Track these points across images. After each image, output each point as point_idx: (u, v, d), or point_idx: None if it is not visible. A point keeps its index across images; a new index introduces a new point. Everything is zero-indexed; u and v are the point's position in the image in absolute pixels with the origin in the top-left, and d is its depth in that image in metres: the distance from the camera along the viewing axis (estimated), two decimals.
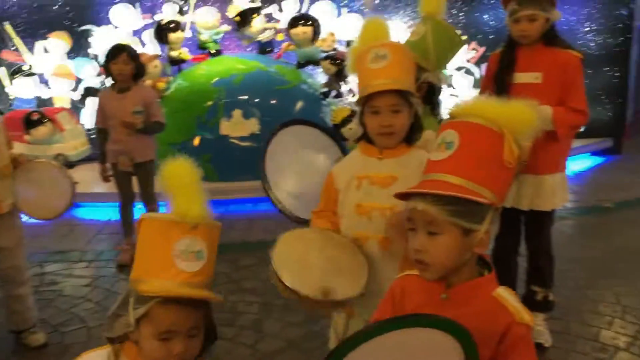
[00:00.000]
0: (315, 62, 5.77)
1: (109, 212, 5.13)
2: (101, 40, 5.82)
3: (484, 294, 1.38)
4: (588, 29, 6.51)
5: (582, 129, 3.09)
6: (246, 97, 5.49)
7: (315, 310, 1.83)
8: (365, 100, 1.92)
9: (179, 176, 1.38)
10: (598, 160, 6.62)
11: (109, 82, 5.45)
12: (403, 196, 1.42)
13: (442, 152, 1.40)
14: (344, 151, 2.43)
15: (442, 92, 2.86)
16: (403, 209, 1.79)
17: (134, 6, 5.95)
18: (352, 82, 5.83)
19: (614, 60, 6.55)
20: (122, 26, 5.90)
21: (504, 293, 1.38)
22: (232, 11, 5.86)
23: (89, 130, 6.01)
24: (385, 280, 1.85)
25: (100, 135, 4.18)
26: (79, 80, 6.07)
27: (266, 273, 4.27)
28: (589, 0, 6.38)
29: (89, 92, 5.91)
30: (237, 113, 5.35)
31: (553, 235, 3.16)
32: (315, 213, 2.13)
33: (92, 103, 5.88)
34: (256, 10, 5.80)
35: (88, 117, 5.92)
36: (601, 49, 6.45)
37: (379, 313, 1.55)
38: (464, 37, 5.88)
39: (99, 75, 5.99)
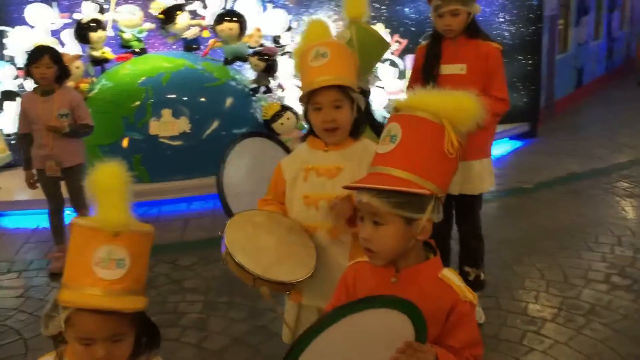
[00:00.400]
0: (243, 59, 5.76)
1: (36, 220, 4.95)
2: (17, 41, 5.57)
3: (431, 276, 1.47)
4: (502, 19, 6.83)
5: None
6: (174, 95, 5.42)
7: (267, 291, 1.87)
8: (309, 97, 1.99)
9: (102, 182, 1.36)
10: (516, 144, 6.99)
11: (28, 85, 5.26)
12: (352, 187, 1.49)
13: (387, 144, 1.47)
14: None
15: (371, 94, 2.96)
16: (343, 196, 1.89)
17: (50, 5, 5.73)
18: (281, 78, 5.87)
19: (527, 49, 6.91)
20: (38, 26, 5.67)
21: (448, 274, 1.48)
22: (156, 8, 5.76)
23: (8, 135, 5.75)
24: (335, 267, 1.93)
25: (23, 140, 4.02)
26: None
27: (207, 271, 4.27)
28: None
29: (6, 95, 5.65)
30: (166, 112, 5.27)
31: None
32: (263, 200, 2.17)
33: (10, 107, 5.63)
34: (180, 7, 5.73)
35: (7, 122, 5.66)
36: (515, 39, 6.79)
37: (334, 301, 1.61)
38: (387, 30, 6.09)
39: (16, 78, 5.73)
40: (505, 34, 6.76)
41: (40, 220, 4.90)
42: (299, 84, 6.25)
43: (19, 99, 5.64)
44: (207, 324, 3.36)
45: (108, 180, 1.36)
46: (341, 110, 1.99)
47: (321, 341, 1.22)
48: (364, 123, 2.15)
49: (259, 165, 2.44)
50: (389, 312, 1.31)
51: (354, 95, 2.03)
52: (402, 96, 1.57)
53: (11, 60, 5.75)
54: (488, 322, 3.24)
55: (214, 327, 3.32)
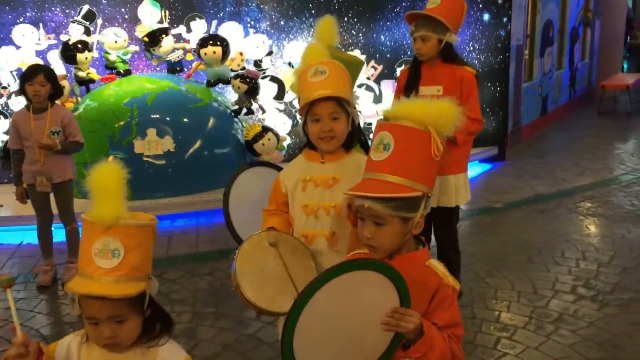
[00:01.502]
0: (226, 81, 5.95)
1: (20, 236, 5.00)
2: (3, 61, 5.67)
3: (419, 264, 1.67)
4: (472, 48, 7.18)
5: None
6: (159, 115, 5.57)
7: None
8: (307, 109, 2.17)
9: (98, 179, 1.51)
10: (486, 166, 7.29)
11: (14, 103, 5.35)
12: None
13: (381, 153, 1.66)
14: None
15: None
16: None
17: (37, 27, 5.86)
18: (262, 100, 6.08)
19: (495, 77, 7.26)
20: (25, 46, 5.78)
21: (435, 263, 1.68)
22: (141, 31, 5.92)
23: None
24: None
25: (15, 156, 4.12)
26: None
27: (193, 284, 4.38)
28: (472, 23, 7.05)
29: None
30: (151, 132, 5.41)
31: None
32: (267, 211, 2.34)
33: None
34: (165, 31, 5.90)
35: None
36: (484, 67, 7.13)
37: None
38: (363, 56, 6.36)
39: (0, 97, 5.81)
40: (475, 62, 7.10)
41: (24, 235, 4.96)
42: (281, 106, 6.41)
43: (2, 118, 5.72)
44: (196, 332, 3.48)
45: (103, 179, 1.51)
46: (338, 121, 2.15)
47: (316, 302, 1.41)
48: (357, 136, 2.34)
49: (264, 193, 2.61)
50: (377, 277, 1.49)
51: (350, 110, 2.22)
52: (385, 108, 1.76)
53: None
54: (464, 329, 3.41)
55: (204, 336, 3.44)
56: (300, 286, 2.06)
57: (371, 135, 6.15)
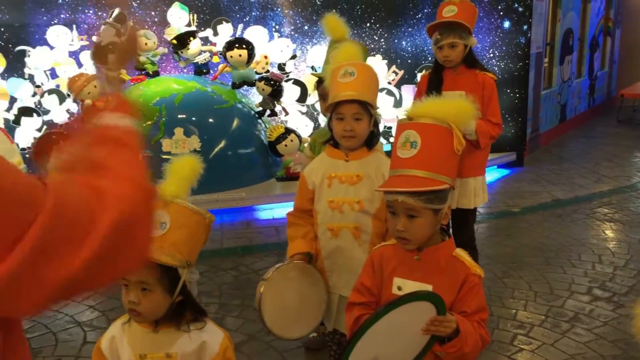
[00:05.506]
0: (251, 83, 6.12)
1: None
2: (37, 60, 5.89)
3: (447, 254, 1.80)
4: (492, 55, 7.28)
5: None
6: (186, 115, 5.75)
7: None
8: (334, 108, 2.32)
9: (174, 165, 1.75)
10: (504, 172, 7.37)
11: (45, 102, 5.56)
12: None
13: (408, 150, 1.79)
14: None
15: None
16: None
17: (70, 28, 6.07)
18: (285, 102, 6.24)
19: (514, 84, 7.35)
20: (58, 47, 6.00)
21: (461, 252, 1.80)
22: (170, 34, 6.11)
23: (23, 149, 6.01)
24: (356, 262, 2.27)
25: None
26: (13, 100, 6.08)
27: (218, 278, 4.55)
28: (492, 30, 7.16)
29: (24, 112, 5.94)
30: (178, 131, 5.59)
31: None
32: (290, 215, 2.51)
33: (27, 122, 5.92)
34: (193, 34, 6.09)
35: (24, 136, 5.94)
36: (504, 73, 7.22)
37: (362, 278, 1.92)
38: (385, 61, 6.50)
39: (34, 95, 6.03)
40: (495, 69, 7.19)
41: None
42: (303, 109, 6.53)
43: (36, 115, 5.94)
44: (223, 323, 3.62)
45: (179, 165, 1.73)
46: (360, 122, 2.31)
47: (373, 329, 1.59)
48: (378, 136, 2.48)
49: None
50: (417, 303, 1.64)
51: (373, 112, 2.37)
52: (407, 108, 1.91)
53: (30, 78, 6.05)
54: None
55: (230, 326, 3.59)
56: (312, 315, 2.40)
57: (391, 139, 6.29)
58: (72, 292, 0.87)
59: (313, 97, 6.22)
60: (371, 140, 2.40)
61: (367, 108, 2.31)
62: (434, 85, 3.51)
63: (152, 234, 0.97)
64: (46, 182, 0.85)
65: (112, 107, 1.08)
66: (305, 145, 6.31)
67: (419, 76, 6.38)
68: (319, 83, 3.23)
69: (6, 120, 6.10)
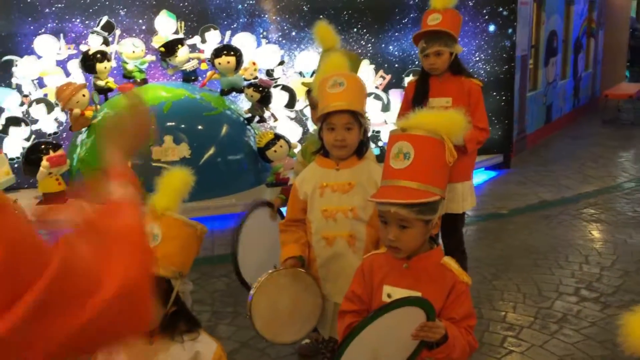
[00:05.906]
0: (239, 90, 6.14)
1: None
2: (24, 70, 5.88)
3: (435, 262, 1.84)
4: (478, 58, 7.36)
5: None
6: (174, 123, 5.75)
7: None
8: (324, 118, 2.35)
9: (166, 178, 1.81)
10: (491, 174, 7.44)
11: (33, 111, 5.55)
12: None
13: (402, 161, 1.83)
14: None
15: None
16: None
17: (58, 37, 6.07)
18: (273, 108, 6.26)
19: (500, 86, 7.42)
20: (46, 56, 5.99)
21: (449, 261, 1.85)
22: (157, 42, 6.12)
23: (11, 159, 6.00)
24: (350, 269, 2.29)
25: None
26: (0, 110, 6.06)
27: (210, 285, 4.56)
28: (478, 34, 7.23)
29: (12, 121, 5.92)
30: (167, 139, 5.60)
31: None
32: (282, 224, 2.54)
33: (14, 132, 5.90)
34: (180, 41, 6.10)
35: (12, 146, 5.93)
36: (490, 76, 7.30)
37: (353, 286, 1.96)
38: (372, 66, 6.55)
39: (21, 104, 6.02)
40: (481, 72, 7.27)
41: None
42: (292, 114, 6.58)
43: (24, 125, 5.93)
44: (215, 330, 3.65)
45: (169, 178, 1.76)
46: (351, 131, 2.35)
47: (363, 335, 1.63)
48: (368, 144, 2.52)
49: (265, 235, 2.92)
50: (408, 309, 1.68)
51: (363, 121, 2.40)
52: (389, 126, 1.96)
53: (18, 87, 6.03)
54: None
55: (223, 333, 3.61)
56: (305, 319, 2.43)
57: (379, 143, 6.33)
58: (72, 353, 0.87)
59: (302, 103, 6.25)
60: (361, 149, 2.43)
61: (358, 117, 2.35)
62: (420, 93, 3.57)
63: (151, 308, 0.97)
64: (56, 243, 0.87)
65: (116, 175, 1.10)
66: (296, 151, 6.37)
67: (406, 80, 6.44)
68: (309, 92, 3.27)
69: None
